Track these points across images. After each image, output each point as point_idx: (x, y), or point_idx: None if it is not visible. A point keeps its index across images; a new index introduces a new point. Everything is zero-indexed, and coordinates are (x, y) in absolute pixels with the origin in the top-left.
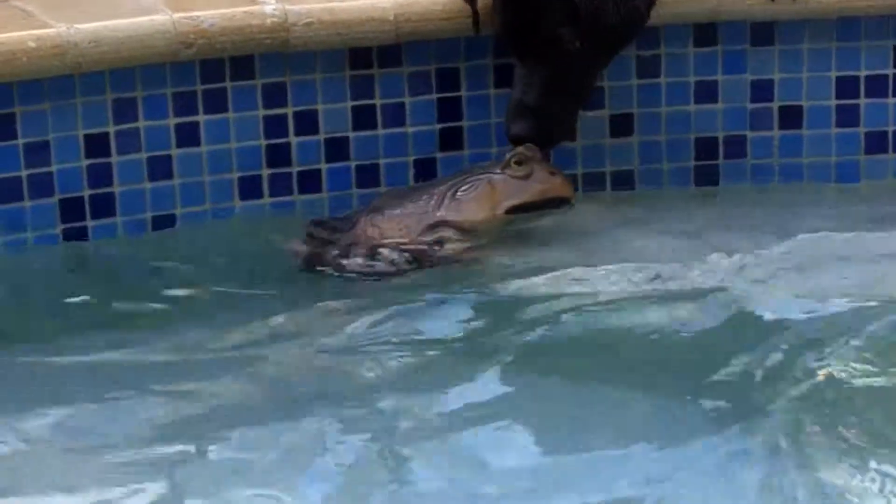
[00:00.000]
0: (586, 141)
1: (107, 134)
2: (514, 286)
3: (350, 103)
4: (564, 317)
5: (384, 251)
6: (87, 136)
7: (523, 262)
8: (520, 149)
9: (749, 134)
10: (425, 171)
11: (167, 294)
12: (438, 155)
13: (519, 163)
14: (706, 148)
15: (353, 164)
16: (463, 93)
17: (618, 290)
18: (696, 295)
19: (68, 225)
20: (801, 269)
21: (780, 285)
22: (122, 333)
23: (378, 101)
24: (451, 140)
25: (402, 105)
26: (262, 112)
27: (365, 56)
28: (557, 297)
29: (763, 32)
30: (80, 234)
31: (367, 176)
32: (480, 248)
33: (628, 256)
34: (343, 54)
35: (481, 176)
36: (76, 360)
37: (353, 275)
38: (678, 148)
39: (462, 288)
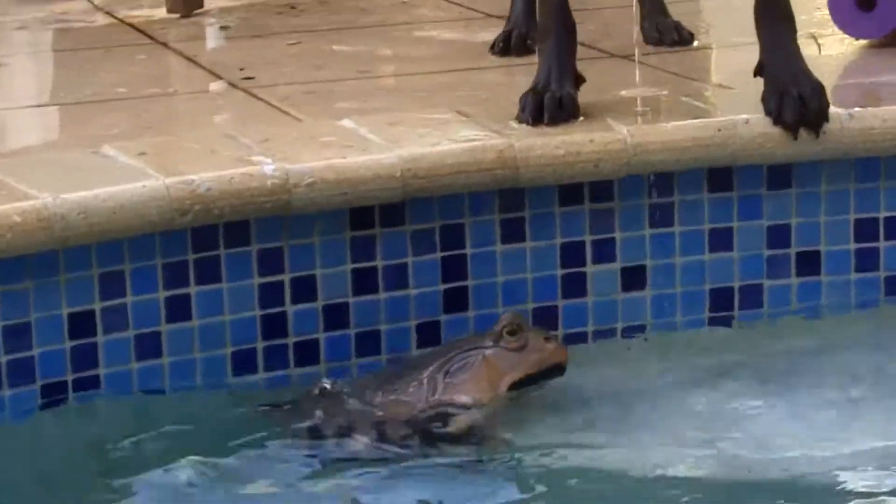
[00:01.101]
0: (597, 297)
1: (92, 312)
2: (529, 463)
3: (350, 266)
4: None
5: (391, 427)
6: (70, 315)
7: (532, 434)
8: (506, 317)
9: (766, 283)
10: (429, 336)
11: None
12: (443, 318)
13: (512, 333)
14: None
15: (352, 332)
16: (468, 250)
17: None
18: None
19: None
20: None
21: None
22: None
23: (379, 263)
24: (456, 301)
25: (405, 266)
26: (257, 280)
27: (366, 215)
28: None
29: (779, 175)
30: None
31: (368, 344)
32: (487, 424)
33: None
34: (344, 214)
35: (472, 351)
36: None
37: (359, 447)
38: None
39: (473, 468)
